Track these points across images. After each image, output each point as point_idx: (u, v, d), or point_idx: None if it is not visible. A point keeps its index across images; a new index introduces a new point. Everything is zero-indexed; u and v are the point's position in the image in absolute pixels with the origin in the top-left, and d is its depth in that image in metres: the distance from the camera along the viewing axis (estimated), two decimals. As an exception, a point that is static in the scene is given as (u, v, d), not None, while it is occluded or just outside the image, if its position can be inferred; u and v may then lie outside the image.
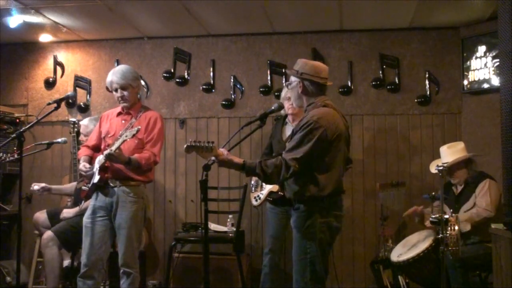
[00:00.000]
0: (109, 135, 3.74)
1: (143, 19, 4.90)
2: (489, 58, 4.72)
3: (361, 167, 5.08)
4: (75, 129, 5.05)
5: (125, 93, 3.70)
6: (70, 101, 5.47)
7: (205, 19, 4.91)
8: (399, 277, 4.30)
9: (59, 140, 4.62)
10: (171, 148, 5.39)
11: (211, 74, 5.35)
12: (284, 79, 5.21)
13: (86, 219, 3.68)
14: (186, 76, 5.39)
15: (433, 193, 3.93)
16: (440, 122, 5.05)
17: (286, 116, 4.37)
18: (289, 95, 4.13)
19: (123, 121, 3.76)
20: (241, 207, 4.54)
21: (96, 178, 3.62)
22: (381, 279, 4.44)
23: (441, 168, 3.69)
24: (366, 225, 5.04)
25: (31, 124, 3.64)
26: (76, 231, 4.06)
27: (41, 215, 4.61)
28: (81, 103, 5.50)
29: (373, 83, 5.12)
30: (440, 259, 3.63)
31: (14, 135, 3.45)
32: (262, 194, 4.33)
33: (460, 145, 4.21)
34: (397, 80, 5.09)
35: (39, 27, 5.08)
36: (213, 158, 2.73)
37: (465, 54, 4.90)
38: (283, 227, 4.31)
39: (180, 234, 4.62)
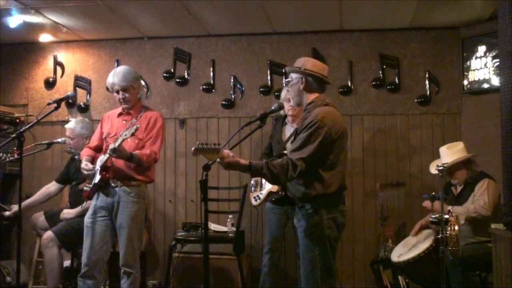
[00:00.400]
0: (110, 136, 3.75)
1: (143, 19, 4.90)
2: (489, 58, 4.72)
3: (361, 167, 5.08)
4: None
5: (127, 95, 3.71)
6: (70, 101, 5.47)
7: (205, 19, 4.91)
8: (399, 277, 4.29)
9: (59, 140, 4.62)
10: (171, 148, 5.39)
11: (211, 74, 5.35)
12: (284, 79, 5.21)
13: (87, 219, 3.69)
14: (186, 76, 5.39)
15: (433, 193, 3.93)
16: (440, 122, 5.04)
17: (285, 116, 4.37)
18: (289, 96, 4.14)
19: (123, 122, 3.77)
20: (241, 207, 4.53)
21: (97, 178, 3.63)
22: (381, 279, 4.44)
23: (441, 168, 3.69)
24: (366, 225, 5.04)
25: (31, 124, 3.63)
26: (76, 232, 4.07)
27: (39, 216, 4.61)
28: (81, 103, 5.50)
29: (373, 83, 5.12)
30: (440, 259, 3.64)
31: (14, 135, 3.44)
32: (261, 194, 4.33)
33: (460, 145, 4.21)
34: (397, 80, 5.09)
35: (39, 27, 5.08)
36: (218, 160, 2.72)
37: (465, 54, 4.90)
38: (283, 226, 4.31)
39: (180, 234, 4.62)
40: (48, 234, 4.22)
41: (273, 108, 3.12)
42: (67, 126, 4.56)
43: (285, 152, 3.30)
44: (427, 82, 5.04)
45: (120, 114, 3.82)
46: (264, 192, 4.30)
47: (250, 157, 5.14)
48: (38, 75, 5.63)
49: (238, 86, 5.31)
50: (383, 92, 5.12)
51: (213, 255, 4.30)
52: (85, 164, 3.69)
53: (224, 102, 5.31)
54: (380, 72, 5.11)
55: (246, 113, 5.26)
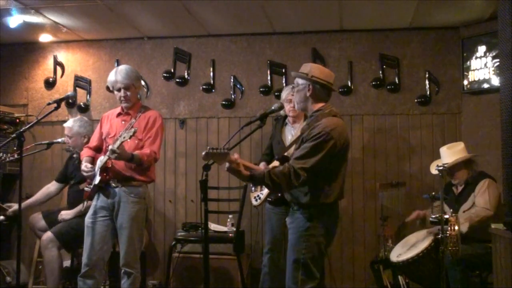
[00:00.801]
0: (109, 136, 3.75)
1: (143, 19, 4.90)
2: (489, 58, 4.72)
3: (361, 167, 5.09)
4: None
5: (128, 93, 3.70)
6: (70, 101, 5.47)
7: (205, 19, 4.91)
8: (399, 277, 4.30)
9: (59, 140, 4.62)
10: (171, 148, 5.39)
11: (211, 74, 5.35)
12: (284, 79, 5.21)
13: (88, 219, 3.69)
14: (186, 76, 5.39)
15: (433, 193, 3.94)
16: (440, 122, 5.05)
17: (286, 116, 4.37)
18: (290, 98, 4.14)
19: (123, 122, 3.76)
20: (241, 207, 4.54)
21: (97, 179, 3.62)
22: (381, 279, 4.44)
23: (441, 168, 3.69)
24: (366, 225, 5.04)
25: (31, 124, 3.63)
26: (76, 232, 4.07)
27: (37, 217, 4.60)
28: (81, 103, 5.50)
29: (373, 83, 5.12)
30: (440, 259, 3.64)
31: (14, 135, 3.44)
32: (262, 194, 4.32)
33: (460, 145, 4.21)
34: (397, 80, 5.09)
35: (39, 27, 5.08)
36: (227, 164, 2.73)
37: (465, 54, 4.90)
38: (283, 226, 4.30)
39: (180, 234, 4.62)
40: (48, 235, 4.22)
41: (273, 108, 3.12)
42: (65, 124, 4.57)
43: (285, 155, 3.31)
44: (427, 82, 5.04)
45: (119, 114, 3.81)
46: (265, 192, 4.29)
47: (250, 157, 5.14)
48: (38, 75, 5.63)
49: (238, 86, 5.31)
50: (383, 92, 5.12)
51: (213, 255, 4.30)
52: (84, 166, 3.69)
53: (224, 102, 5.31)
54: (380, 72, 5.11)
55: (246, 113, 5.26)
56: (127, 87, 3.69)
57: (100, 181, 3.61)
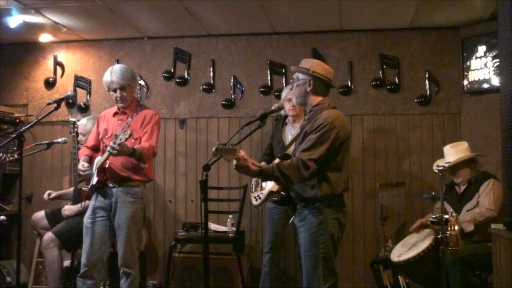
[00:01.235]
0: (106, 136, 3.73)
1: (143, 19, 4.90)
2: (489, 58, 4.72)
3: (361, 167, 5.09)
4: (75, 129, 5.03)
5: (124, 93, 3.69)
6: (70, 101, 5.47)
7: (205, 19, 4.91)
8: (399, 277, 4.30)
9: (59, 140, 4.61)
10: (171, 148, 5.39)
11: (211, 74, 5.35)
12: (284, 79, 5.21)
13: (86, 219, 3.69)
14: (186, 76, 5.39)
15: (433, 193, 3.93)
16: (440, 122, 5.04)
17: (286, 116, 4.37)
18: (290, 97, 4.14)
19: (119, 121, 3.75)
20: (241, 207, 4.54)
21: (94, 180, 3.62)
22: (381, 279, 4.44)
23: (441, 168, 3.69)
24: (366, 225, 5.04)
25: (31, 124, 3.63)
26: (76, 232, 4.07)
27: (39, 216, 4.61)
28: (81, 103, 5.50)
29: (373, 83, 5.12)
30: (440, 259, 3.64)
31: (14, 135, 3.45)
32: (262, 194, 4.33)
33: (464, 144, 4.21)
34: (397, 80, 5.09)
35: (39, 27, 5.08)
36: (234, 161, 2.72)
37: (465, 54, 4.90)
38: (283, 226, 4.31)
39: (180, 234, 4.62)
40: (48, 235, 4.23)
41: (273, 108, 3.12)
42: (79, 122, 4.60)
43: (287, 153, 3.31)
44: (427, 82, 5.04)
45: (115, 114, 3.80)
46: (265, 192, 4.30)
47: (250, 157, 5.11)
48: (38, 75, 5.63)
49: (238, 86, 5.31)
50: (383, 92, 5.12)
51: (213, 255, 4.31)
52: (81, 165, 3.68)
53: (224, 102, 5.31)
54: (380, 72, 5.11)
55: (246, 113, 5.26)
56: (123, 88, 3.67)
57: (98, 181, 3.61)
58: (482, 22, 4.75)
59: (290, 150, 3.55)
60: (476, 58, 4.81)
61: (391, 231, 4.62)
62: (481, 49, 4.78)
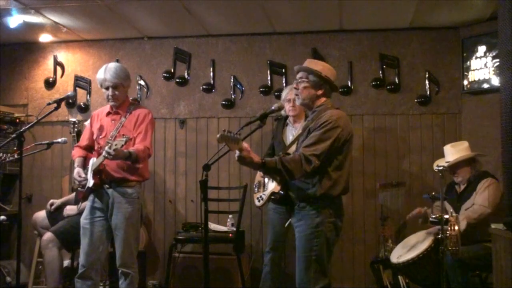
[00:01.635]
0: (100, 137, 3.71)
1: (143, 19, 4.90)
2: (489, 58, 4.72)
3: (361, 167, 5.08)
4: (75, 129, 5.04)
5: (116, 92, 3.66)
6: (70, 101, 5.47)
7: (205, 19, 4.91)
8: (399, 277, 4.29)
9: (59, 140, 4.60)
10: (171, 148, 5.39)
11: (211, 74, 5.35)
12: (284, 79, 5.21)
13: (83, 220, 3.67)
14: (186, 76, 5.39)
15: (433, 193, 3.93)
16: (440, 122, 5.04)
17: (287, 117, 4.37)
18: (290, 97, 4.14)
19: (112, 121, 3.72)
20: (241, 207, 4.54)
21: (91, 183, 3.61)
22: (381, 279, 4.44)
23: (441, 168, 3.69)
24: (366, 225, 5.04)
25: (31, 124, 3.63)
26: (76, 231, 4.05)
27: (40, 215, 4.61)
28: (81, 103, 5.50)
29: (373, 83, 5.12)
30: (440, 259, 3.63)
31: (14, 135, 3.44)
32: (264, 194, 4.34)
33: (464, 144, 4.22)
34: (397, 80, 5.09)
35: (39, 27, 5.08)
36: (237, 153, 2.72)
37: (465, 54, 4.90)
38: (284, 226, 4.31)
39: (180, 234, 4.63)
40: (48, 235, 4.22)
41: (273, 108, 3.12)
42: (86, 123, 4.58)
43: (288, 152, 3.31)
44: (427, 82, 5.04)
45: (108, 113, 3.77)
46: (267, 192, 4.31)
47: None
48: (38, 75, 5.63)
49: (238, 86, 5.31)
50: (383, 92, 5.12)
51: (213, 255, 4.30)
52: (77, 174, 3.67)
53: (224, 102, 5.31)
54: (380, 72, 5.11)
55: (246, 113, 5.25)
56: (115, 86, 3.64)
57: (94, 184, 3.59)
58: (482, 22, 4.75)
59: (291, 150, 3.55)
60: (476, 58, 4.81)
61: (391, 231, 4.62)
62: (481, 49, 4.78)
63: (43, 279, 4.90)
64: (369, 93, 5.13)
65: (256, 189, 4.45)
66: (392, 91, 5.10)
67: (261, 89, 5.26)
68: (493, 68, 4.67)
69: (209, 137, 5.31)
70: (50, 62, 5.61)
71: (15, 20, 4.71)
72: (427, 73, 5.04)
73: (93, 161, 3.65)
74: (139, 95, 5.40)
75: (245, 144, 2.74)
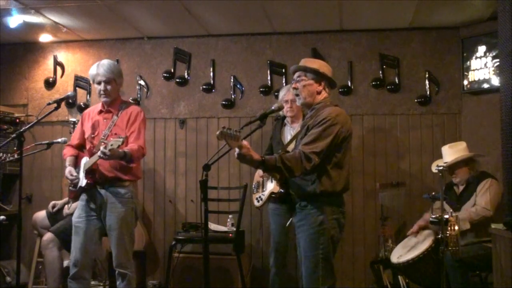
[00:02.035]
0: (92, 136, 3.68)
1: (143, 19, 4.90)
2: (489, 58, 4.72)
3: (361, 167, 5.08)
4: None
5: (108, 87, 3.63)
6: (70, 101, 5.47)
7: (205, 19, 4.91)
8: (399, 277, 4.30)
9: (59, 140, 4.61)
10: (171, 148, 5.39)
11: (211, 74, 5.35)
12: (284, 79, 5.21)
13: (76, 219, 3.64)
14: (186, 76, 5.39)
15: (433, 193, 3.93)
16: (440, 122, 5.04)
17: (284, 117, 4.37)
18: (287, 98, 4.14)
19: (104, 120, 3.69)
20: (241, 207, 4.54)
21: (83, 182, 3.59)
22: (381, 279, 4.44)
23: (440, 168, 3.69)
24: (366, 225, 5.04)
25: (31, 124, 3.63)
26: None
27: (40, 215, 4.61)
28: (81, 103, 5.50)
29: (373, 83, 5.12)
30: (440, 260, 3.63)
31: (14, 135, 3.44)
32: (263, 195, 4.33)
33: (462, 145, 4.22)
34: (397, 80, 5.09)
35: (39, 27, 5.08)
36: (237, 150, 2.71)
37: (465, 54, 4.90)
38: (285, 226, 4.30)
39: (180, 234, 4.62)
40: (48, 235, 4.22)
41: (273, 108, 3.12)
42: (75, 120, 4.57)
43: (288, 150, 3.31)
44: (427, 82, 5.04)
45: (100, 112, 3.74)
46: (266, 193, 4.30)
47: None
48: (38, 75, 5.63)
49: (238, 86, 5.31)
50: (383, 92, 5.12)
51: (213, 255, 4.29)
52: (69, 173, 3.65)
53: (224, 102, 5.31)
54: (380, 72, 5.11)
55: (246, 113, 5.25)
56: (108, 81, 3.62)
57: (87, 184, 3.57)
58: (482, 22, 4.75)
59: (290, 148, 3.55)
60: (476, 58, 4.81)
61: (391, 231, 4.62)
62: (481, 49, 4.78)
63: (43, 279, 4.91)
64: (369, 93, 5.13)
65: (255, 190, 4.45)
66: (392, 91, 5.10)
67: (261, 89, 5.26)
68: (493, 68, 4.67)
69: (209, 137, 5.31)
70: (50, 62, 5.61)
71: (15, 20, 4.71)
72: (427, 73, 5.04)
73: (85, 160, 3.63)
74: (139, 95, 5.40)
75: (244, 142, 2.73)
